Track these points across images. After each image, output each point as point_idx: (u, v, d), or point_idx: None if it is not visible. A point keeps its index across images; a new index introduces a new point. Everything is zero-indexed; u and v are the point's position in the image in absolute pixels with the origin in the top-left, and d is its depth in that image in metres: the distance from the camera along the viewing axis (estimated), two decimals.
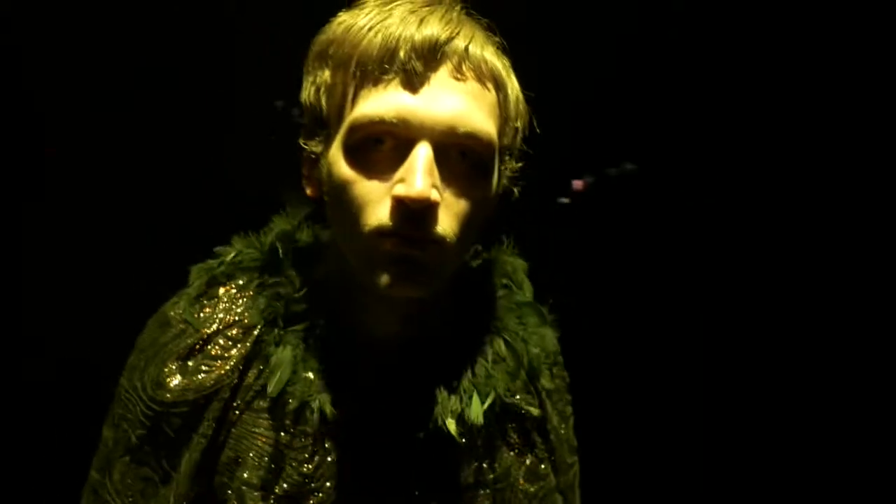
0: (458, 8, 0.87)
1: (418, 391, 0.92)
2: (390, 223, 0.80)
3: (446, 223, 0.81)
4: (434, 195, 0.78)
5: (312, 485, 0.87)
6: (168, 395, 0.88)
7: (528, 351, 0.99)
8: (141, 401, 0.89)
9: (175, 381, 0.89)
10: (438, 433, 0.90)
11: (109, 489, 0.90)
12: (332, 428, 0.88)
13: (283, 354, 0.89)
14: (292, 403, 0.87)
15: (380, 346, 0.93)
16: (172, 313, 0.93)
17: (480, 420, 0.92)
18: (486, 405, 0.92)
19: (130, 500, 0.89)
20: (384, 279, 0.82)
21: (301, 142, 0.89)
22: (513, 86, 0.89)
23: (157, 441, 0.89)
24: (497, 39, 0.90)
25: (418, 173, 0.78)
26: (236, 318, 0.92)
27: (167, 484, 0.88)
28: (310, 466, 0.88)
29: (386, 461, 0.90)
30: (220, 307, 0.93)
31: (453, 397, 0.92)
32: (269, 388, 0.88)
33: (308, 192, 0.92)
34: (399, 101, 0.80)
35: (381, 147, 0.81)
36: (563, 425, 1.05)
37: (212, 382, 0.89)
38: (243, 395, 0.90)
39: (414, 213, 0.79)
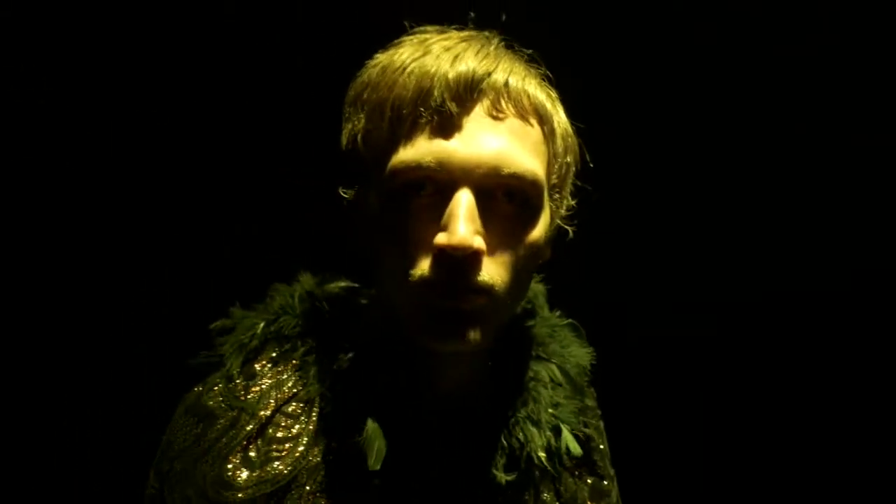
0: (496, 41, 0.82)
1: (493, 434, 0.88)
2: (433, 274, 0.74)
3: (493, 270, 0.76)
4: (477, 242, 0.73)
5: None
6: (240, 495, 0.78)
7: (575, 373, 0.99)
8: None
9: (243, 475, 0.79)
10: (521, 473, 0.88)
11: None
12: (415, 491, 0.83)
13: (374, 424, 0.81)
14: (377, 479, 0.79)
15: (448, 399, 0.88)
16: (212, 403, 0.84)
17: (579, 450, 0.92)
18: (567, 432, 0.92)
19: None
20: (430, 334, 0.77)
21: (341, 190, 0.85)
22: (559, 119, 0.83)
23: None
24: (541, 71, 0.85)
25: (460, 220, 0.72)
26: (290, 392, 0.84)
27: None
28: None
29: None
30: (266, 384, 0.85)
31: (536, 431, 0.89)
32: (371, 462, 0.79)
33: (352, 241, 0.88)
34: (437, 145, 0.74)
35: (422, 193, 0.76)
36: (600, 439, 1.05)
37: (289, 468, 0.80)
38: (315, 475, 0.81)
39: (457, 262, 0.73)
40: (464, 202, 0.73)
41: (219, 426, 0.82)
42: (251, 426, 0.82)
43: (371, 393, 0.83)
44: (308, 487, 0.80)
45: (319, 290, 0.95)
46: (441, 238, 0.73)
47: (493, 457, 0.86)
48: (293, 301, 0.92)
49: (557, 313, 1.05)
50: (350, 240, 0.88)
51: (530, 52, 0.86)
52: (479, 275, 0.74)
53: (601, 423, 1.07)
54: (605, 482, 1.01)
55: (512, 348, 0.96)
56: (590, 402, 1.04)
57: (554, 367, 0.97)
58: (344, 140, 0.85)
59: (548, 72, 0.86)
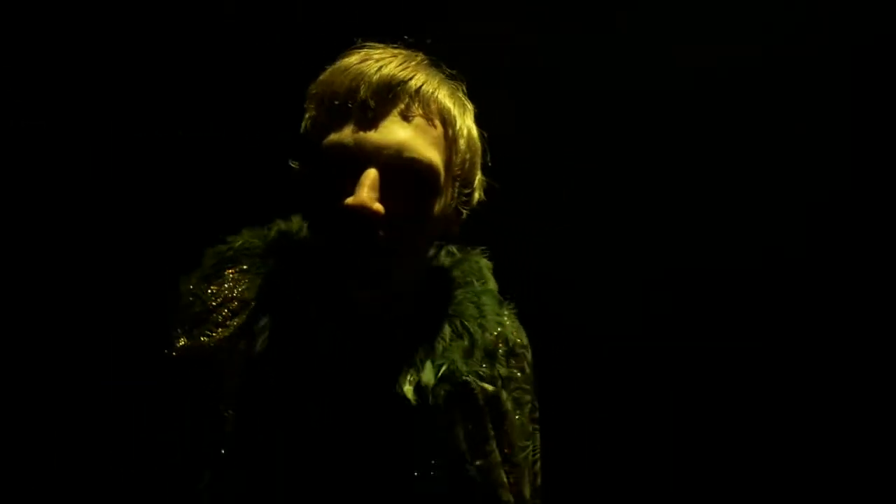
0: (419, 58, 1.05)
1: (383, 364, 1.06)
2: (342, 230, 0.97)
3: (391, 231, 0.97)
4: (375, 205, 0.94)
5: (290, 435, 1.01)
6: (174, 353, 1.05)
7: (483, 335, 1.12)
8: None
9: (181, 342, 1.05)
10: (397, 401, 1.03)
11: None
12: (304, 388, 1.03)
13: (270, 322, 1.05)
14: (276, 363, 1.03)
15: (353, 325, 1.07)
16: (183, 288, 1.11)
17: (432, 381, 1.04)
18: (440, 373, 1.05)
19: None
20: (347, 276, 1.00)
21: (290, 162, 1.09)
22: (464, 123, 1.06)
23: (173, 396, 1.04)
24: (456, 85, 1.08)
25: (362, 187, 0.94)
26: (237, 294, 1.09)
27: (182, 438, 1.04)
28: (287, 416, 1.02)
29: (350, 423, 1.03)
30: (226, 285, 1.10)
31: (412, 369, 1.06)
32: (257, 347, 1.03)
33: (297, 205, 1.13)
34: (355, 132, 0.97)
35: (345, 167, 0.98)
36: (517, 412, 1.15)
37: (212, 346, 1.05)
38: (238, 358, 1.05)
39: (361, 221, 0.95)
40: (368, 174, 0.95)
41: (181, 304, 1.09)
42: (199, 309, 1.08)
43: (291, 303, 1.07)
44: (225, 366, 1.04)
45: (302, 230, 1.17)
46: (348, 200, 0.95)
47: (376, 385, 1.05)
48: (271, 232, 1.17)
49: (492, 285, 1.21)
50: (297, 202, 1.12)
51: (454, 71, 1.09)
52: (379, 233, 0.96)
53: (526, 397, 1.18)
54: (489, 444, 1.09)
55: (432, 305, 1.14)
56: (502, 371, 1.14)
57: (457, 323, 1.13)
58: (302, 126, 1.08)
59: (463, 87, 1.09)
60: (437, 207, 1.03)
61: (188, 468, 1.02)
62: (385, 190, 0.96)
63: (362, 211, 0.94)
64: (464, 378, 1.08)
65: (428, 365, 1.06)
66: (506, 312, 1.20)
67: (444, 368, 1.06)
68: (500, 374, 1.14)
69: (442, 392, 1.05)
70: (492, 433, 1.11)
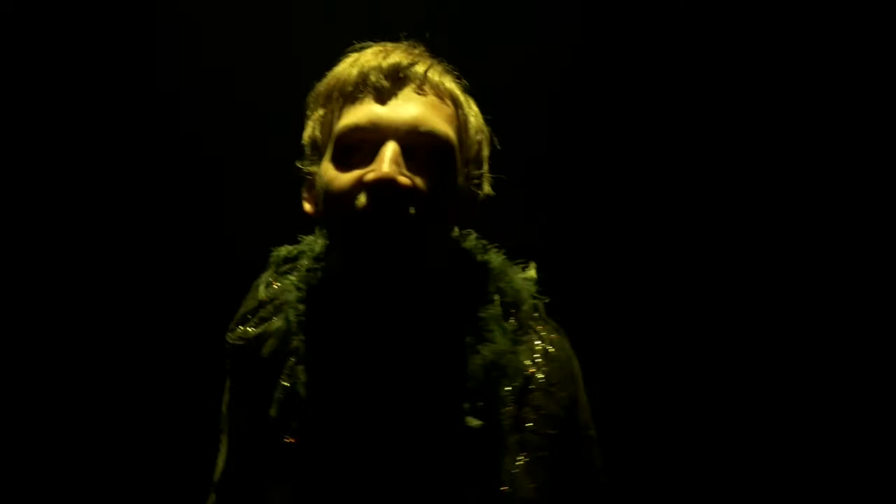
0: (420, 48, 1.07)
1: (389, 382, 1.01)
2: (366, 206, 0.93)
3: (416, 206, 0.94)
4: (401, 178, 0.93)
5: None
6: (231, 337, 1.12)
7: (475, 365, 1.02)
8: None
9: (238, 329, 1.12)
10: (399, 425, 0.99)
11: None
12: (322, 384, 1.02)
13: (279, 324, 1.07)
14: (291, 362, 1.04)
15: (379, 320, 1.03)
16: (255, 282, 1.17)
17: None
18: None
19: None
20: (365, 263, 0.97)
21: (298, 164, 1.08)
22: (470, 106, 1.07)
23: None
24: (457, 74, 1.09)
25: (385, 160, 0.93)
26: (282, 292, 1.11)
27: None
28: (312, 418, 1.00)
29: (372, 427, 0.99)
30: (282, 282, 1.13)
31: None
32: (263, 350, 1.06)
33: (307, 209, 1.10)
34: (371, 111, 0.98)
35: (360, 151, 0.97)
36: (521, 454, 1.02)
37: (256, 335, 1.09)
38: (269, 349, 1.07)
39: (385, 195, 0.92)
40: (389, 148, 0.94)
41: (248, 295, 1.16)
42: (254, 303, 1.13)
43: (315, 304, 1.08)
44: (265, 357, 1.07)
45: None
46: (369, 175, 0.93)
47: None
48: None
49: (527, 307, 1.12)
50: (307, 207, 1.09)
51: (451, 66, 1.11)
52: (406, 207, 0.93)
53: (535, 439, 1.03)
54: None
55: (442, 320, 1.05)
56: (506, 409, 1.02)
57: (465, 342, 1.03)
58: (306, 133, 1.08)
59: (464, 80, 1.10)
60: (456, 183, 1.02)
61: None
62: (406, 164, 0.95)
63: (388, 184, 0.92)
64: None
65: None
66: (535, 343, 1.08)
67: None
68: (500, 411, 1.01)
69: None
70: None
